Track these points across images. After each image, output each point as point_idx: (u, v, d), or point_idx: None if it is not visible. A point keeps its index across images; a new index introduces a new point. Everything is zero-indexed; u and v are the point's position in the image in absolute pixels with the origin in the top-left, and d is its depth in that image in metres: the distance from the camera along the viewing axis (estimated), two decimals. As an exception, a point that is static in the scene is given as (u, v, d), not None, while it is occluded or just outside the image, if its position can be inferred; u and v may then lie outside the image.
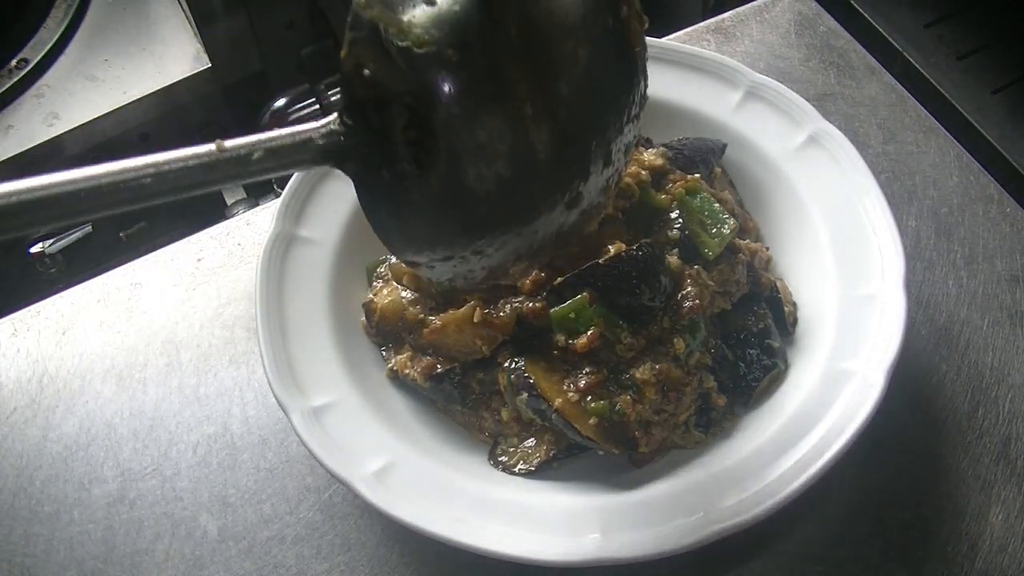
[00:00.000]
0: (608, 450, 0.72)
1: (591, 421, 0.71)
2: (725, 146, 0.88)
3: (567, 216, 0.54)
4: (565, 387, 0.72)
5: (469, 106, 0.47)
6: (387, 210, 0.52)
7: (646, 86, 0.56)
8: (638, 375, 0.72)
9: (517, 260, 0.55)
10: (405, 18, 0.46)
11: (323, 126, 0.48)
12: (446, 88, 0.46)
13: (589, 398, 0.71)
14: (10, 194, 0.42)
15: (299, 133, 0.48)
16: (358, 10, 0.46)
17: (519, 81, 0.47)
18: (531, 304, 0.73)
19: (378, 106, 0.47)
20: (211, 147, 0.46)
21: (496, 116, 0.47)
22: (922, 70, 1.10)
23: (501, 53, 0.47)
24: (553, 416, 0.71)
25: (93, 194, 0.44)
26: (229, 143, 0.46)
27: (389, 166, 0.48)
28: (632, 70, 0.54)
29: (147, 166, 0.45)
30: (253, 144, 0.47)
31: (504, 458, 0.76)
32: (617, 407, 0.71)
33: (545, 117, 0.48)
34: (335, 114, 0.48)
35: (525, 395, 0.72)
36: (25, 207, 0.43)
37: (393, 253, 0.56)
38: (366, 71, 0.46)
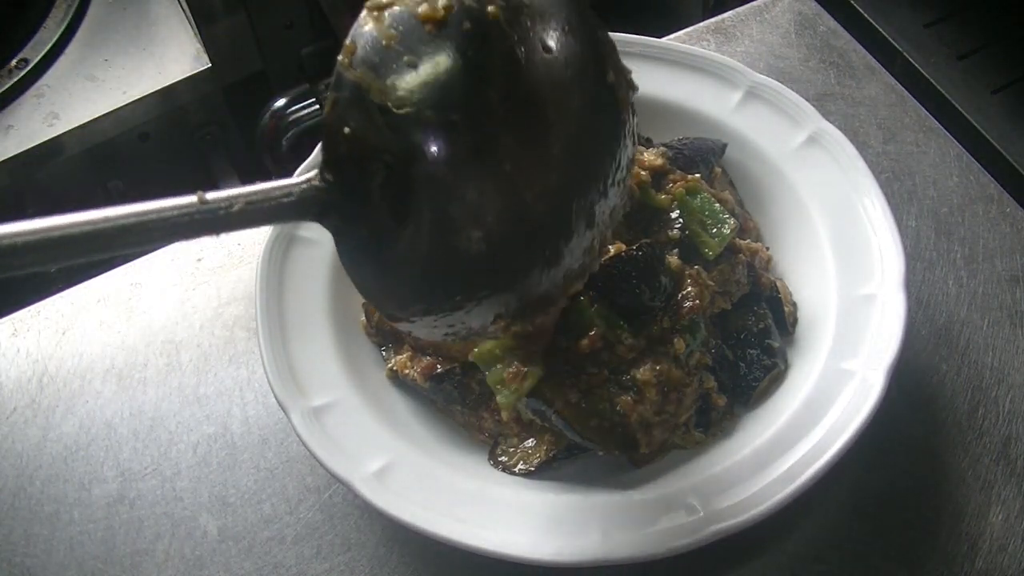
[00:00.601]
0: (608, 451, 0.72)
1: (592, 422, 0.71)
2: (725, 146, 0.88)
3: (549, 277, 0.53)
4: (565, 388, 0.72)
5: (448, 166, 0.47)
6: (366, 266, 0.52)
7: (634, 150, 0.57)
8: (639, 376, 0.72)
9: (498, 319, 0.55)
10: (388, 80, 0.46)
11: (304, 181, 0.49)
12: (424, 148, 0.47)
13: (590, 399, 0.71)
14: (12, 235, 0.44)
15: (280, 188, 0.49)
16: (341, 70, 0.47)
17: (501, 146, 0.48)
18: None
19: (357, 163, 0.48)
20: (192, 199, 0.46)
21: (475, 178, 0.48)
22: (922, 70, 1.10)
23: (483, 117, 0.47)
24: (553, 417, 0.71)
25: (70, 242, 0.44)
26: (210, 195, 0.47)
27: (368, 222, 0.49)
28: (618, 134, 0.54)
29: (128, 216, 0.45)
30: (234, 197, 0.47)
31: (504, 458, 0.76)
32: (618, 408, 0.71)
33: (527, 181, 0.49)
34: (316, 170, 0.49)
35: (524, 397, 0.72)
36: (29, 247, 0.44)
37: (374, 307, 0.56)
38: (347, 129, 0.47)
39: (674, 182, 0.80)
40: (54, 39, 1.26)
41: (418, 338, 0.72)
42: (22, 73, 1.22)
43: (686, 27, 1.08)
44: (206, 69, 1.24)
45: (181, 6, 1.28)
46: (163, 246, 0.47)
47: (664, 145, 0.84)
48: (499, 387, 0.72)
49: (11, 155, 1.16)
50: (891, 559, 0.74)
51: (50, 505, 0.80)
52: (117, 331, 0.90)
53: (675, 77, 0.91)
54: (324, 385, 0.76)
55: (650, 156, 0.81)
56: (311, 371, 0.76)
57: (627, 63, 0.95)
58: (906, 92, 1.01)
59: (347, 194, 0.49)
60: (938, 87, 1.08)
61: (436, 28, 0.46)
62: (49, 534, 0.79)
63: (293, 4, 1.31)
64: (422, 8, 0.47)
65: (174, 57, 1.25)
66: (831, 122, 0.86)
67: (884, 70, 1.03)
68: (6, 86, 1.21)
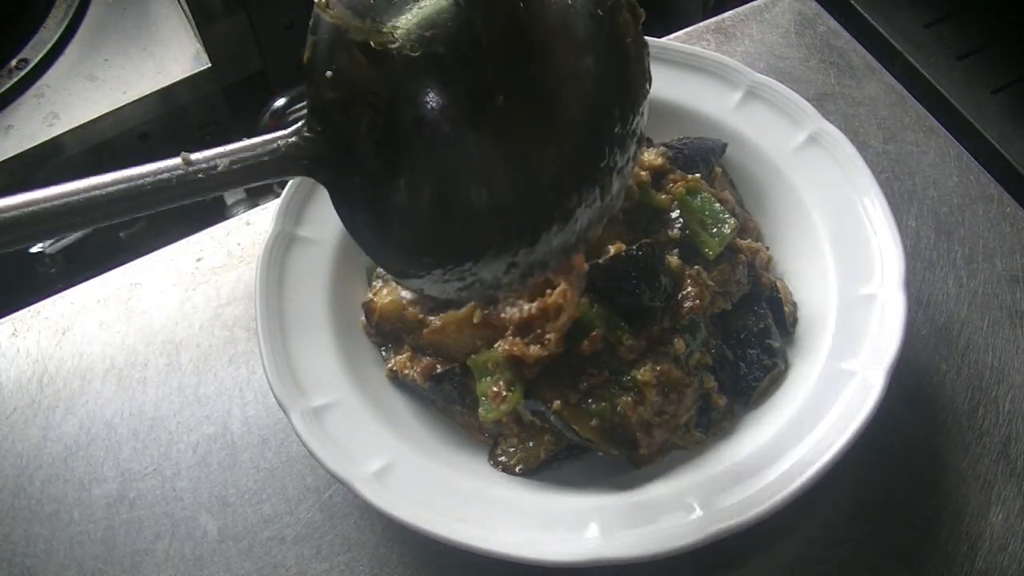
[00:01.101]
0: (608, 451, 0.72)
1: (592, 422, 0.71)
2: (725, 146, 0.88)
3: (563, 230, 0.51)
4: (564, 389, 0.72)
5: (437, 108, 0.45)
6: (363, 218, 0.50)
7: (648, 86, 0.54)
8: (639, 376, 0.72)
9: (511, 268, 0.52)
10: (367, 17, 0.45)
11: (290, 133, 0.47)
12: (410, 88, 0.45)
13: (590, 399, 0.72)
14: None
15: (266, 142, 0.47)
16: (319, 12, 0.46)
17: (496, 86, 0.45)
18: (531, 309, 0.73)
19: (342, 107, 0.46)
20: (177, 160, 0.45)
21: (469, 121, 0.46)
22: (922, 70, 1.10)
23: (472, 52, 0.45)
24: (552, 418, 0.71)
25: (61, 213, 0.43)
26: (195, 155, 0.46)
27: (360, 171, 0.47)
28: (624, 65, 0.51)
29: (115, 182, 0.44)
30: (219, 155, 0.46)
31: (504, 458, 0.76)
32: (618, 408, 0.71)
33: (528, 127, 0.47)
34: (302, 122, 0.47)
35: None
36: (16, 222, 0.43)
37: (378, 264, 0.54)
38: (328, 72, 0.46)
39: (674, 182, 0.80)
40: (54, 39, 1.26)
41: (432, 297, 0.69)
42: (22, 73, 1.22)
43: (686, 27, 1.08)
44: (206, 69, 1.24)
45: (181, 6, 1.28)
46: (153, 211, 0.47)
47: (664, 145, 0.84)
48: (483, 399, 0.73)
49: (11, 155, 1.16)
50: (891, 559, 0.74)
51: (50, 505, 0.80)
52: (117, 331, 0.90)
53: (675, 77, 0.91)
54: (324, 385, 0.76)
55: (650, 156, 0.81)
56: (311, 371, 0.76)
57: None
58: (906, 92, 1.01)
59: (335, 142, 0.47)
60: (938, 87, 1.08)
61: None
62: (49, 534, 0.79)
63: (293, 4, 1.31)
64: None
65: (174, 57, 1.25)
66: (831, 122, 0.86)
67: (884, 70, 1.03)
68: (6, 86, 1.21)
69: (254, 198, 1.34)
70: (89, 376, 0.87)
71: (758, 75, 0.89)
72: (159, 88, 1.22)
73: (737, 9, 1.09)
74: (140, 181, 0.45)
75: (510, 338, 0.72)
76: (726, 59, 0.91)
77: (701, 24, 1.08)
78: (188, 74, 1.24)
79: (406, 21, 0.45)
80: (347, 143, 0.47)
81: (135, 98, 1.21)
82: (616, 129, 0.51)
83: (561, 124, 0.48)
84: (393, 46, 0.44)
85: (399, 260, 0.52)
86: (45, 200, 0.43)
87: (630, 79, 0.52)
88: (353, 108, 0.46)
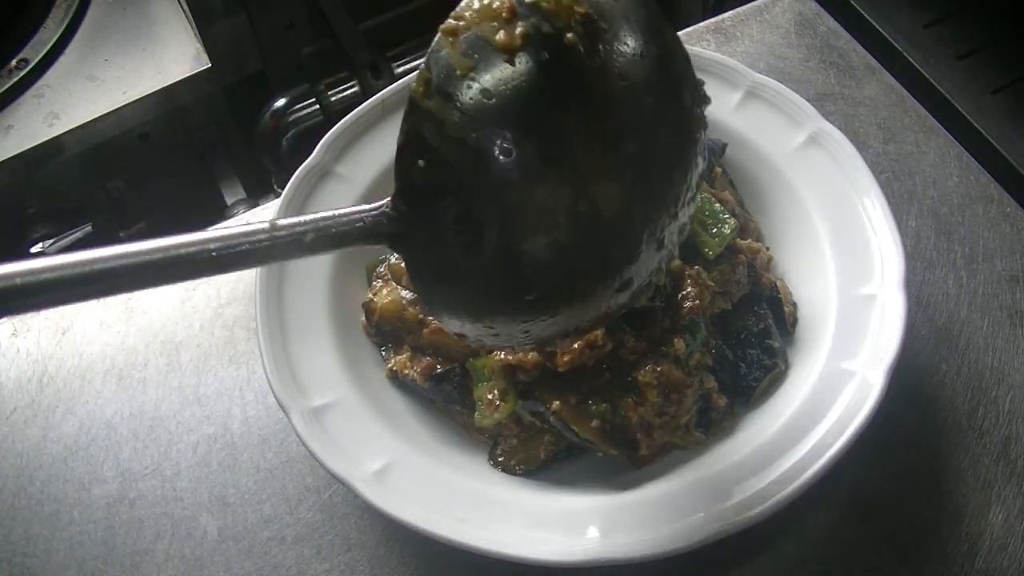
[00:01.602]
0: (607, 452, 0.72)
1: (593, 424, 0.71)
2: (725, 145, 0.88)
3: (617, 298, 0.53)
4: (563, 390, 0.72)
5: (520, 193, 0.47)
6: (439, 290, 0.52)
7: (704, 169, 0.57)
8: (640, 377, 0.72)
9: (564, 336, 0.56)
10: (463, 111, 0.45)
11: (375, 209, 0.49)
12: (498, 175, 0.46)
13: (591, 400, 0.72)
14: (61, 267, 0.42)
15: (351, 213, 0.49)
16: (417, 100, 0.46)
17: (574, 167, 0.47)
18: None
19: (431, 197, 0.47)
20: (265, 225, 0.47)
21: (547, 203, 0.47)
22: (922, 70, 1.10)
23: (554, 137, 0.46)
24: (551, 418, 0.71)
25: (146, 269, 0.44)
26: (282, 222, 0.47)
27: (438, 251, 0.49)
28: (690, 153, 0.54)
29: (206, 241, 0.45)
30: (306, 225, 0.48)
31: (504, 458, 0.76)
32: (619, 410, 0.71)
33: (599, 203, 0.48)
34: (388, 199, 0.49)
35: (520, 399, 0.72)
36: (76, 281, 0.43)
37: (442, 325, 0.56)
38: (421, 161, 0.46)
39: (674, 182, 0.80)
40: (54, 39, 1.26)
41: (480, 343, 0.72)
42: (22, 73, 1.22)
43: (686, 27, 1.08)
44: (206, 69, 1.24)
45: (181, 6, 1.28)
46: (232, 272, 0.47)
47: (664, 145, 0.84)
48: (479, 404, 0.73)
49: (11, 155, 1.16)
50: (891, 559, 0.74)
51: (50, 505, 0.80)
52: (117, 331, 0.90)
53: (675, 77, 0.91)
54: (324, 385, 0.76)
55: (650, 156, 0.81)
56: (311, 371, 0.76)
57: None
58: (906, 92, 1.01)
59: (419, 225, 0.48)
60: (938, 87, 1.08)
61: (512, 56, 0.45)
62: (49, 534, 0.79)
63: (293, 4, 1.31)
64: (499, 36, 0.45)
65: (174, 57, 1.25)
66: (831, 122, 0.86)
67: (884, 70, 1.03)
68: (6, 86, 1.21)
69: (254, 198, 1.34)
70: (89, 376, 0.88)
71: (758, 75, 0.89)
72: (159, 88, 1.22)
73: (737, 9, 1.09)
74: (230, 244, 0.46)
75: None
76: (726, 59, 0.91)
77: (701, 24, 1.08)
78: (188, 74, 1.24)
79: (501, 124, 0.46)
80: (430, 230, 0.48)
81: (135, 98, 1.21)
82: (676, 204, 0.54)
83: (630, 209, 0.50)
84: (482, 135, 0.46)
85: (463, 322, 0.54)
86: (127, 255, 0.44)
87: (696, 166, 0.55)
88: (442, 200, 0.47)
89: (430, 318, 0.77)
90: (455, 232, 0.48)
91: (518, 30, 0.46)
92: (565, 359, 0.71)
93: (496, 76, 0.45)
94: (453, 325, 0.55)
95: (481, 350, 0.74)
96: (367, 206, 0.49)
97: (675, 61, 0.52)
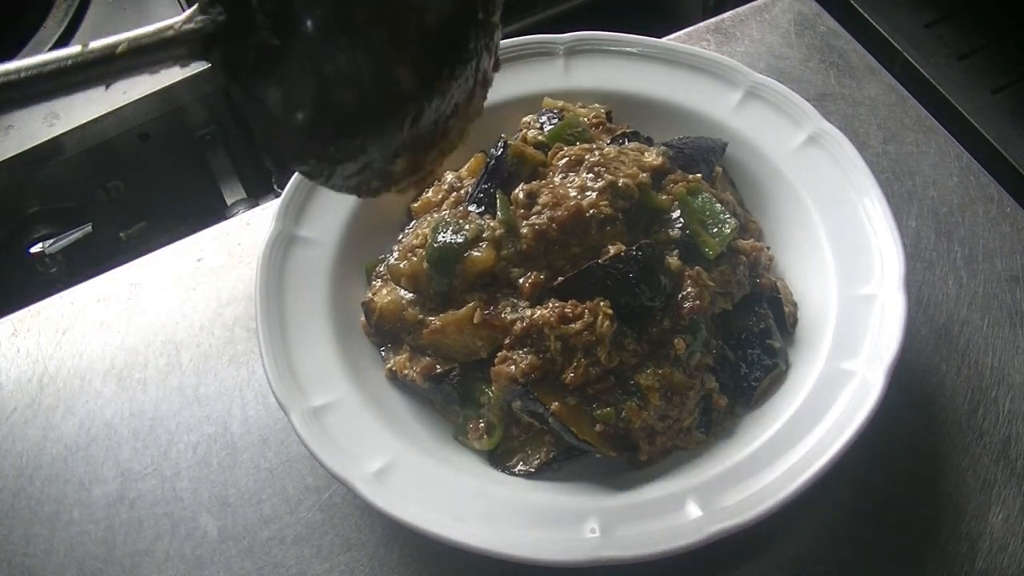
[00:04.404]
0: (606, 453, 0.72)
1: (596, 427, 0.71)
2: (726, 145, 0.88)
3: (441, 103, 0.52)
4: (563, 391, 0.72)
5: None
6: (257, 98, 0.51)
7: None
8: (641, 380, 0.72)
9: (397, 157, 0.54)
10: None
11: (185, 18, 0.48)
12: None
13: (595, 404, 0.72)
14: None
15: (161, 28, 0.48)
16: None
17: None
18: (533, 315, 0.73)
19: None
20: (77, 48, 0.46)
21: None
22: (922, 70, 1.10)
23: None
24: (550, 419, 0.71)
25: None
26: (93, 43, 0.46)
27: (253, 45, 0.48)
28: None
29: (16, 70, 0.44)
30: (117, 41, 0.47)
31: (504, 458, 0.76)
32: (623, 414, 0.71)
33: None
34: (195, 6, 0.48)
35: (519, 401, 0.72)
36: None
37: (269, 151, 0.54)
38: None
39: (675, 182, 0.80)
40: (54, 39, 1.26)
41: (431, 291, 0.68)
42: (22, 73, 1.22)
43: (686, 27, 1.08)
44: (206, 69, 1.24)
45: (181, 6, 1.28)
46: (53, 97, 0.47)
47: (665, 144, 0.84)
48: (467, 424, 0.76)
49: (11, 155, 1.16)
50: (891, 559, 0.74)
51: (50, 505, 0.80)
52: (117, 331, 0.90)
53: (675, 77, 0.91)
54: (324, 385, 0.76)
55: (650, 155, 0.81)
56: (311, 371, 0.76)
57: (628, 63, 0.96)
58: (906, 92, 1.01)
59: (228, 19, 0.48)
60: (938, 87, 1.09)
61: None
62: (49, 534, 0.79)
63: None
64: None
65: (174, 57, 1.25)
66: (831, 122, 0.86)
67: (884, 70, 1.03)
68: (6, 86, 1.21)
69: (254, 198, 1.34)
70: (89, 376, 0.87)
71: (758, 75, 0.89)
72: (159, 88, 1.22)
73: (737, 9, 1.10)
74: (40, 68, 0.45)
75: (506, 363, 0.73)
76: (726, 59, 0.91)
77: (701, 24, 1.08)
78: (188, 74, 1.23)
79: None
80: (240, 19, 0.48)
81: (135, 98, 1.21)
82: (479, 16, 0.52)
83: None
84: None
85: (292, 141, 0.53)
86: None
87: None
88: None
89: (430, 317, 0.77)
90: (263, 14, 0.47)
91: None
92: (572, 376, 0.71)
93: None
94: (284, 146, 0.53)
95: (481, 348, 0.74)
96: (175, 18, 0.48)
97: None
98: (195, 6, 0.48)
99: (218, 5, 0.48)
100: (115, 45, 0.47)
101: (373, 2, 0.48)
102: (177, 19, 0.48)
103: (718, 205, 0.79)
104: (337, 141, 0.51)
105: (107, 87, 0.48)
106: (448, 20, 0.51)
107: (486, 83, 0.56)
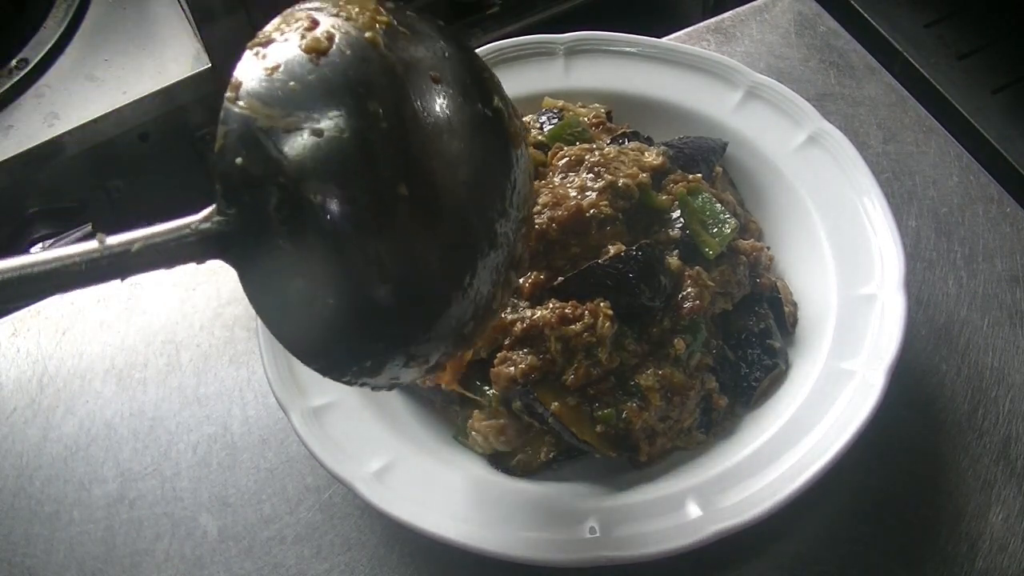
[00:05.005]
0: (605, 454, 0.72)
1: (597, 428, 0.71)
2: (726, 145, 0.88)
3: (463, 304, 0.53)
4: (562, 391, 0.71)
5: (338, 183, 0.47)
6: (273, 304, 0.51)
7: (528, 173, 0.57)
8: (642, 381, 0.72)
9: (411, 361, 0.54)
10: (275, 108, 0.48)
11: (202, 218, 0.49)
12: (315, 168, 0.47)
13: (596, 404, 0.72)
14: None
15: (178, 227, 0.49)
16: (228, 105, 0.48)
17: (389, 166, 0.48)
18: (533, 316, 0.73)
19: (251, 188, 0.48)
20: (94, 244, 0.47)
21: (367, 192, 0.48)
22: (922, 70, 1.10)
23: (371, 135, 0.48)
24: (550, 419, 0.71)
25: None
26: (110, 239, 0.48)
27: (268, 251, 0.49)
28: (507, 156, 0.54)
29: (32, 264, 0.46)
30: (133, 239, 0.48)
31: (504, 458, 0.76)
32: (624, 415, 0.71)
33: (423, 211, 0.49)
34: (213, 207, 0.49)
35: (519, 402, 0.72)
36: None
37: (285, 346, 0.54)
38: (239, 160, 0.47)
39: (675, 182, 0.80)
40: (54, 39, 1.26)
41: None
42: (22, 73, 1.22)
43: (686, 27, 1.08)
44: (206, 69, 1.24)
45: (181, 6, 1.28)
46: (68, 291, 0.48)
47: (665, 144, 0.84)
48: (468, 426, 0.76)
49: (11, 155, 1.16)
50: (891, 559, 0.74)
51: (50, 505, 0.80)
52: (117, 331, 0.90)
53: (675, 77, 0.91)
54: (324, 385, 0.76)
55: (650, 156, 0.81)
56: (311, 371, 0.76)
57: (628, 63, 0.96)
58: (906, 92, 1.01)
59: (245, 222, 0.48)
60: (938, 87, 1.09)
61: (319, 57, 0.48)
62: (49, 534, 0.79)
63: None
64: (305, 41, 0.49)
65: (174, 57, 1.25)
66: (831, 122, 0.86)
67: (884, 70, 1.03)
68: (6, 86, 1.21)
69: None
70: (89, 376, 0.87)
71: (758, 75, 0.89)
72: (159, 88, 1.22)
73: (737, 9, 1.10)
74: (52, 264, 0.46)
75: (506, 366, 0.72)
76: (726, 59, 0.91)
77: (701, 24, 1.08)
78: (188, 74, 1.24)
79: (311, 109, 0.48)
80: (256, 223, 0.48)
81: (135, 98, 1.21)
82: (502, 217, 0.54)
83: (451, 209, 0.51)
84: (299, 131, 0.47)
85: (301, 346, 0.53)
86: None
87: (514, 180, 0.55)
88: (262, 188, 0.48)
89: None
90: (278, 222, 0.48)
91: (322, 32, 0.49)
92: (572, 378, 0.71)
93: (305, 74, 0.48)
94: (296, 346, 0.53)
95: (481, 349, 0.74)
96: (193, 216, 0.49)
97: (481, 69, 0.55)
98: (213, 207, 0.49)
99: (234, 208, 0.48)
100: (131, 243, 0.48)
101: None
102: (194, 218, 0.49)
103: (718, 205, 0.79)
104: (347, 364, 0.53)
105: (122, 280, 0.48)
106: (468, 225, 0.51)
107: (509, 285, 0.57)
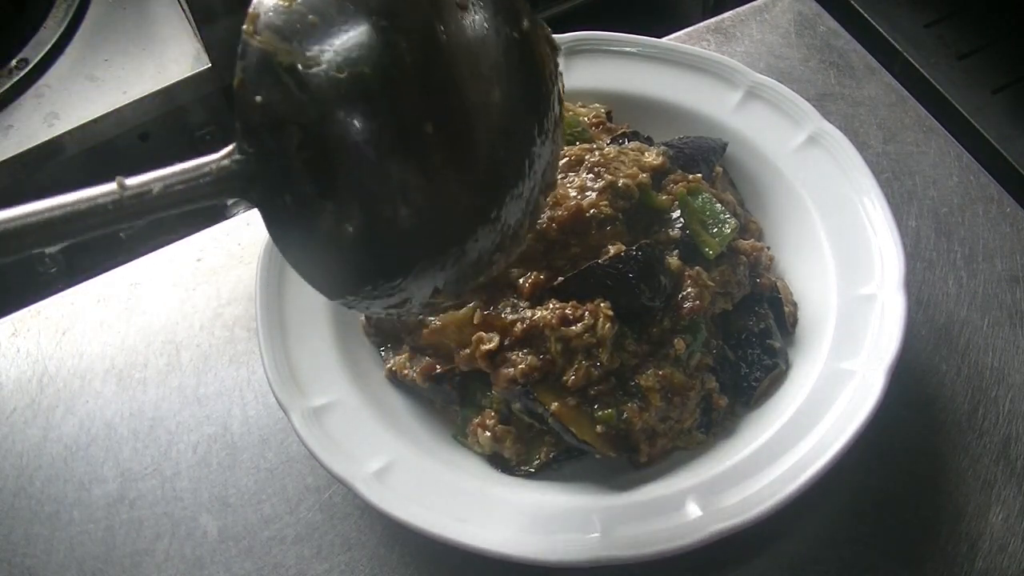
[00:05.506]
0: (605, 454, 0.72)
1: (598, 429, 0.71)
2: (726, 145, 0.88)
3: (487, 241, 0.52)
4: (562, 391, 0.71)
5: (362, 127, 0.46)
6: (294, 238, 0.51)
7: (559, 94, 0.56)
8: (642, 381, 0.72)
9: (436, 293, 0.53)
10: (294, 42, 0.46)
11: (222, 156, 0.48)
12: (336, 108, 0.46)
13: (596, 405, 0.72)
14: None
15: (198, 166, 0.48)
16: (247, 39, 0.47)
17: (417, 102, 0.47)
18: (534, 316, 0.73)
19: (271, 129, 0.47)
20: (112, 185, 0.46)
21: (392, 141, 0.47)
22: (922, 70, 1.10)
23: (396, 73, 0.46)
24: (549, 420, 0.71)
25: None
26: (130, 180, 0.47)
27: (290, 190, 0.48)
28: (539, 84, 0.53)
29: (49, 208, 0.44)
30: (153, 179, 0.47)
31: (504, 458, 0.76)
32: (624, 415, 0.71)
33: (450, 142, 0.48)
34: (233, 144, 0.48)
35: (519, 402, 0.72)
36: None
37: (311, 284, 0.54)
38: (258, 97, 0.46)
39: (675, 182, 0.80)
40: (54, 39, 1.26)
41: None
42: (22, 73, 1.22)
43: (686, 27, 1.08)
44: (206, 69, 1.24)
45: (181, 6, 1.28)
46: (86, 236, 0.47)
47: (665, 144, 0.84)
48: (467, 426, 0.76)
49: (11, 155, 1.16)
50: (891, 559, 0.74)
51: (50, 505, 0.80)
52: (117, 331, 0.90)
53: (675, 77, 0.91)
54: (324, 385, 0.76)
55: (650, 155, 0.81)
56: (311, 371, 0.76)
57: (628, 63, 0.96)
58: (906, 92, 1.01)
59: (265, 162, 0.47)
60: (938, 87, 1.08)
61: None
62: (49, 534, 0.79)
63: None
64: None
65: (174, 57, 1.25)
66: (831, 122, 0.86)
67: (884, 70, 1.03)
68: (6, 86, 1.21)
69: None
70: (89, 376, 0.87)
71: (758, 75, 0.89)
72: (159, 88, 1.22)
73: (737, 9, 1.10)
74: (74, 207, 0.45)
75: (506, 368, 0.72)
76: (726, 59, 0.91)
77: (701, 24, 1.08)
78: (188, 74, 1.24)
79: (332, 44, 0.46)
80: (277, 164, 0.47)
81: (135, 98, 1.21)
82: (533, 148, 0.52)
83: (480, 146, 0.50)
84: (320, 68, 0.46)
85: (329, 279, 0.53)
86: None
87: (548, 108, 0.53)
88: (282, 129, 0.47)
89: (430, 318, 0.77)
90: (300, 162, 0.47)
91: None
92: (572, 378, 0.71)
93: (324, 5, 0.46)
94: (321, 283, 0.53)
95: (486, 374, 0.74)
96: (212, 156, 0.48)
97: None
98: (233, 146, 0.48)
99: (254, 147, 0.47)
100: (151, 184, 0.47)
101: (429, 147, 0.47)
102: (213, 157, 0.48)
103: (718, 205, 0.79)
104: (376, 283, 0.51)
105: (144, 221, 0.47)
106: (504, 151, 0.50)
107: (536, 213, 0.55)
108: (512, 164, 0.51)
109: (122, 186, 0.46)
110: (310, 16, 0.46)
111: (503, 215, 0.52)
